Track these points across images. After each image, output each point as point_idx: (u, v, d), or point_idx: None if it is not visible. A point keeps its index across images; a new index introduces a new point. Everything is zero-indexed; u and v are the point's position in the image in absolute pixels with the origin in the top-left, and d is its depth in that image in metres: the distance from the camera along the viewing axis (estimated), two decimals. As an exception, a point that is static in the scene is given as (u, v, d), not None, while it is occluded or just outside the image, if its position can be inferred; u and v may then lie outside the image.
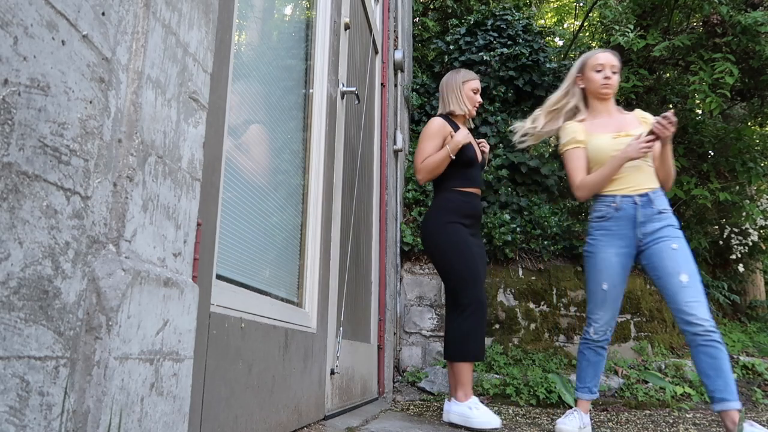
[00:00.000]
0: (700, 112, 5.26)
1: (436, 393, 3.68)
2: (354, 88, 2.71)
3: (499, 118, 5.05)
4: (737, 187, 4.81)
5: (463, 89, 2.85)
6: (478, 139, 3.03)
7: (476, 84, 2.89)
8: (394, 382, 3.84)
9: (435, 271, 4.27)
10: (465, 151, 2.72)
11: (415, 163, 2.77)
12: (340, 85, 2.63)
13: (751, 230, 5.03)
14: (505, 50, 5.18)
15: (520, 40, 5.31)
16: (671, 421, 3.01)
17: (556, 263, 4.39)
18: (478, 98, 2.90)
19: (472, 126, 3.03)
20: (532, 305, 4.24)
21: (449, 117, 2.85)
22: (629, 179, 2.43)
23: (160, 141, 0.97)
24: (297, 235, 2.13)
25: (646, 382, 3.72)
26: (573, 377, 3.69)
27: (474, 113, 2.91)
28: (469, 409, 2.50)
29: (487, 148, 2.94)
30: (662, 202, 2.42)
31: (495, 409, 3.31)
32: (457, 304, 2.62)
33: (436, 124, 2.76)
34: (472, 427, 2.47)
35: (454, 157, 2.69)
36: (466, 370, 2.58)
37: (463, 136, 2.70)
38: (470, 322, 2.58)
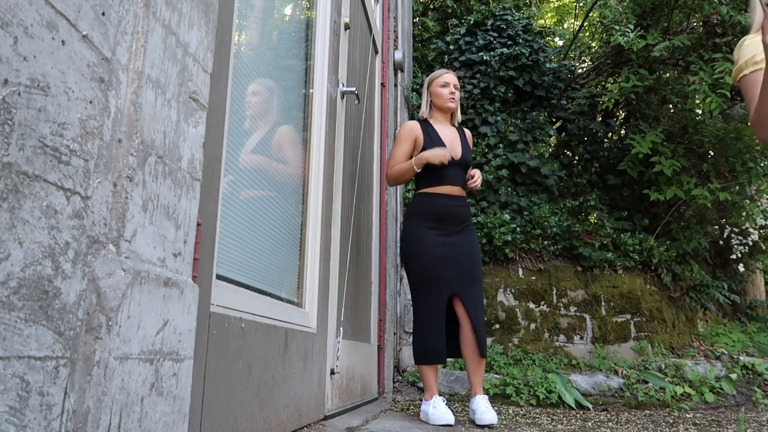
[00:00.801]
0: (700, 112, 5.25)
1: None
2: (354, 88, 2.71)
3: (499, 118, 5.05)
4: (737, 187, 4.80)
5: (432, 90, 2.91)
6: (473, 169, 2.95)
7: (444, 78, 2.89)
8: (394, 382, 3.84)
9: (435, 271, 4.27)
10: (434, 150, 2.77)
11: (389, 160, 2.84)
12: (340, 85, 2.63)
13: (751, 230, 5.03)
14: (505, 50, 5.18)
15: (520, 40, 5.31)
16: (671, 421, 3.01)
17: (556, 263, 4.39)
18: (449, 90, 2.87)
19: (459, 120, 2.99)
20: (532, 305, 4.24)
21: (426, 120, 2.91)
22: None
23: (160, 141, 0.97)
24: (297, 235, 2.13)
25: (646, 382, 3.72)
26: (573, 377, 3.70)
27: (449, 106, 2.88)
28: (432, 408, 2.62)
29: (477, 182, 2.84)
30: None
31: (495, 408, 3.31)
32: (413, 309, 2.78)
33: (405, 127, 2.86)
34: (430, 424, 2.58)
35: (418, 170, 2.72)
36: (423, 371, 2.74)
37: (432, 154, 2.69)
38: (415, 326, 2.74)
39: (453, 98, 2.88)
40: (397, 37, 4.49)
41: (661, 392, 3.62)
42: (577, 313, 4.27)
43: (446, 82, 2.88)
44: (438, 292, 2.68)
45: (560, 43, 7.02)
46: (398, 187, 4.32)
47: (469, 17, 5.66)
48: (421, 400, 3.59)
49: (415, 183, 2.84)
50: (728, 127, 4.80)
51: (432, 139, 2.80)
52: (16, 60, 0.68)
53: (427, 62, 5.81)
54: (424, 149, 2.77)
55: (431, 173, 2.77)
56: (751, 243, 5.00)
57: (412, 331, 2.84)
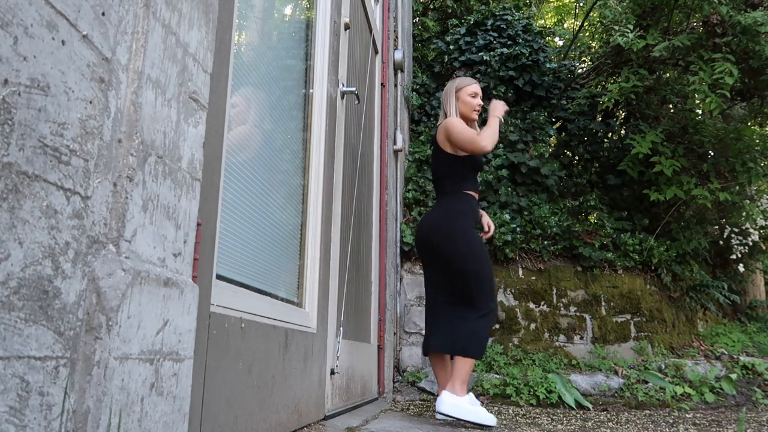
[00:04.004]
0: (700, 112, 5.25)
1: (436, 393, 3.68)
2: (354, 88, 2.71)
3: (499, 118, 5.05)
4: (737, 187, 4.81)
5: (460, 96, 2.91)
6: None
7: (473, 88, 2.92)
8: (394, 382, 3.84)
9: (435, 271, 4.26)
10: (477, 156, 2.85)
11: (470, 143, 2.75)
12: (340, 85, 2.63)
13: (751, 230, 5.03)
14: (505, 50, 5.18)
15: (520, 40, 5.31)
16: (671, 421, 3.01)
17: (556, 263, 4.39)
18: (478, 101, 2.91)
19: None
20: (532, 305, 4.24)
21: None
22: None
23: (160, 141, 0.97)
24: (297, 235, 2.13)
25: (646, 382, 3.72)
26: (573, 377, 3.70)
27: (474, 117, 2.92)
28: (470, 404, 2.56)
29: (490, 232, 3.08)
30: None
31: (495, 409, 3.31)
32: (476, 306, 2.67)
33: (457, 120, 2.84)
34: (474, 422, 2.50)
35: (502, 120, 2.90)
36: (470, 366, 2.65)
37: (498, 109, 2.88)
38: (485, 324, 2.66)
39: (479, 110, 2.94)
40: (397, 37, 4.49)
41: (661, 392, 3.62)
42: (577, 313, 4.27)
43: (476, 93, 2.93)
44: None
45: (560, 43, 7.02)
46: (398, 187, 4.32)
47: (469, 17, 5.66)
48: (421, 400, 3.59)
49: (453, 181, 2.82)
50: (728, 127, 4.80)
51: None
52: (16, 60, 0.68)
53: (427, 62, 5.80)
54: (472, 156, 2.85)
55: (472, 175, 2.88)
56: (750, 243, 5.01)
57: (477, 324, 2.71)
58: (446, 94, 2.96)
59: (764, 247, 5.28)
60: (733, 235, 5.04)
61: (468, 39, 5.43)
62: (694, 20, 4.71)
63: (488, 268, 2.71)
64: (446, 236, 2.72)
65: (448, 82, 3.08)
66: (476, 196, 2.88)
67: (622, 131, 5.55)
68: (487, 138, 2.75)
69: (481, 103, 2.93)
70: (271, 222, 1.86)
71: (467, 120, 2.92)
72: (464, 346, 2.62)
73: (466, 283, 2.67)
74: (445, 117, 2.90)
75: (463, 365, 2.59)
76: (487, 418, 2.48)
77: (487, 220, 3.08)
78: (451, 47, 5.48)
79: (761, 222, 5.02)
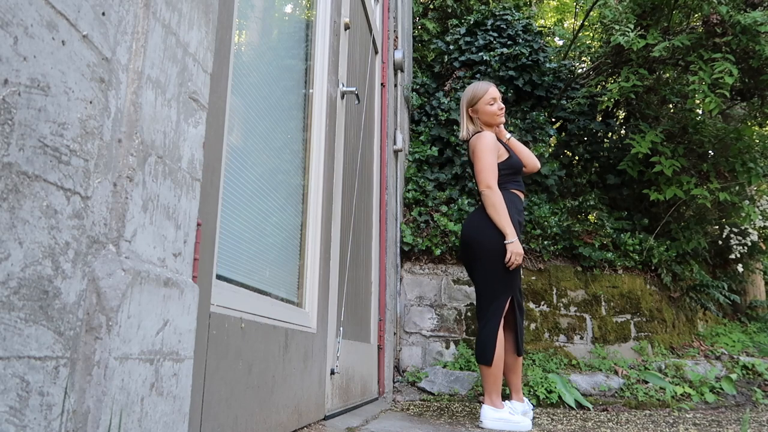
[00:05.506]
0: (700, 112, 5.25)
1: (436, 393, 3.68)
2: (354, 88, 2.71)
3: (499, 118, 5.05)
4: (737, 188, 4.80)
5: (478, 108, 2.82)
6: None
7: (491, 94, 2.82)
8: (394, 382, 3.84)
9: (435, 271, 4.27)
10: (514, 157, 2.81)
11: (482, 175, 2.67)
12: (340, 85, 2.63)
13: (750, 230, 5.03)
14: (505, 50, 5.18)
15: (520, 40, 5.31)
16: (671, 421, 3.01)
17: (556, 263, 4.39)
18: (498, 106, 2.82)
19: (508, 136, 2.96)
20: (532, 305, 4.24)
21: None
22: None
23: (160, 141, 0.97)
24: (297, 235, 2.13)
25: (646, 382, 3.72)
26: (573, 377, 3.70)
27: (499, 122, 2.84)
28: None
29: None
30: None
31: (495, 409, 3.30)
32: (482, 312, 2.70)
33: (491, 137, 2.74)
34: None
35: (505, 238, 2.62)
36: (486, 374, 2.71)
37: (516, 256, 2.61)
38: (489, 329, 2.69)
39: (501, 113, 2.83)
40: (397, 37, 4.49)
41: (661, 392, 3.62)
42: (577, 313, 4.27)
43: (494, 98, 2.81)
44: (513, 293, 2.73)
45: (560, 43, 7.02)
46: (398, 187, 4.32)
47: (469, 17, 5.66)
48: (421, 400, 3.59)
49: (501, 178, 2.73)
50: (728, 127, 4.80)
51: (511, 153, 2.80)
52: (16, 60, 0.68)
53: (427, 62, 5.80)
54: (507, 160, 2.76)
55: (517, 175, 2.80)
56: (749, 243, 5.00)
57: (483, 326, 2.66)
58: (460, 107, 2.90)
59: (764, 247, 5.28)
60: (732, 235, 5.04)
61: (468, 39, 5.43)
62: (694, 20, 4.71)
63: (499, 273, 2.64)
64: (468, 242, 2.73)
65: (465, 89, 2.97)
66: (518, 194, 2.78)
67: (622, 131, 5.54)
68: (490, 197, 2.61)
69: (502, 106, 2.83)
70: (271, 222, 1.86)
71: (495, 127, 2.86)
72: (475, 352, 2.72)
73: (477, 288, 2.75)
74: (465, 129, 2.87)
75: (482, 374, 2.67)
76: (524, 425, 2.57)
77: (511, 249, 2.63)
78: (451, 47, 5.48)
79: (760, 222, 5.02)
